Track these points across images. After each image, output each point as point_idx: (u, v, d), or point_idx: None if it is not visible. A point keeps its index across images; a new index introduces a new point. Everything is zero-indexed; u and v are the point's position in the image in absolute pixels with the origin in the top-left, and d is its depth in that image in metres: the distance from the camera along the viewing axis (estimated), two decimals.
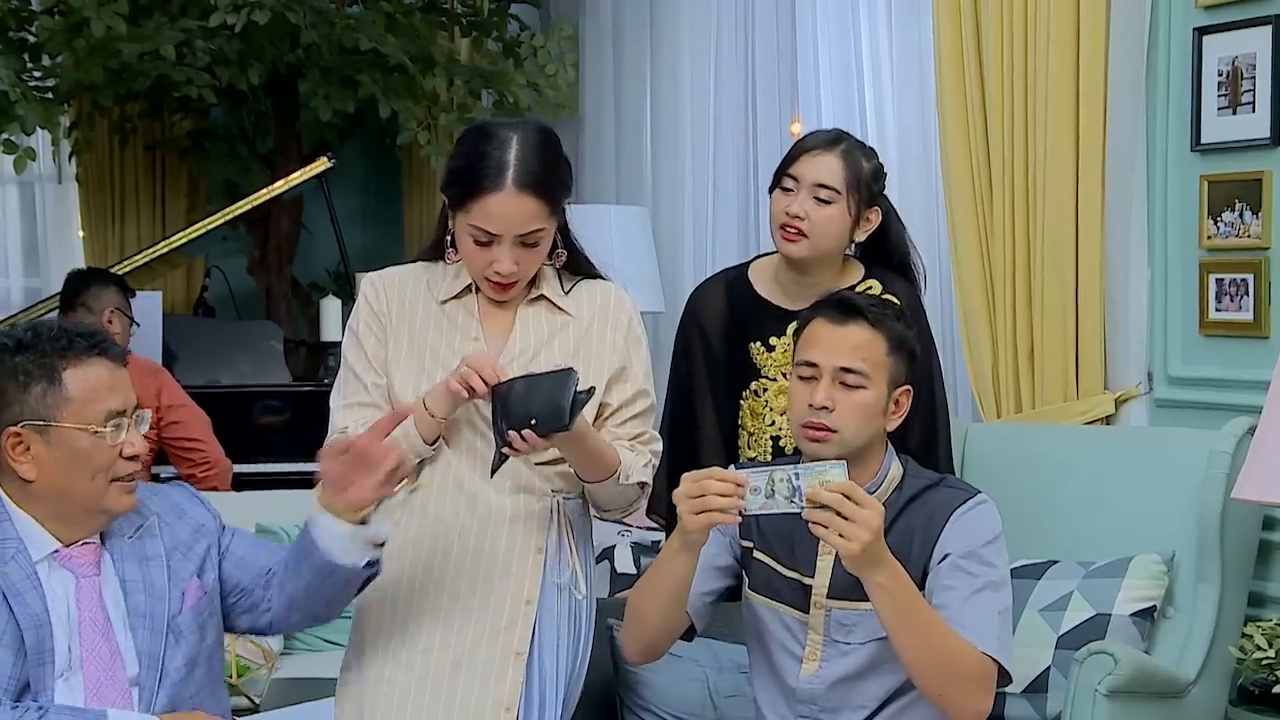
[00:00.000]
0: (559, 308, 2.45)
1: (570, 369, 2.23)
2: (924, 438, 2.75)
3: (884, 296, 2.76)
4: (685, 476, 2.21)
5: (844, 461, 2.19)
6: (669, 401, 2.90)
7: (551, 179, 2.33)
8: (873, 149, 2.83)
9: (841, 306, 2.36)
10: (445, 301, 2.43)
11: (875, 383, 2.32)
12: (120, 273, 4.86)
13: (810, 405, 2.32)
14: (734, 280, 2.88)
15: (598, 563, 3.53)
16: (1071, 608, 2.89)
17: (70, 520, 2.12)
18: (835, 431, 2.31)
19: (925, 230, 4.09)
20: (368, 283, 2.48)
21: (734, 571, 2.49)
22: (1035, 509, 3.14)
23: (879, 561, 2.17)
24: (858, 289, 2.77)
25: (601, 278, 2.52)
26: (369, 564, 2.22)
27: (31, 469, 2.08)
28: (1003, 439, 3.37)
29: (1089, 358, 3.52)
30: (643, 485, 2.43)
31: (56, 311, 4.76)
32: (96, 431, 2.08)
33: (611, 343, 2.45)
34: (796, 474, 2.14)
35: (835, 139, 2.76)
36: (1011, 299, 3.60)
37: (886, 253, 2.85)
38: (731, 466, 2.32)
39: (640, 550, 3.86)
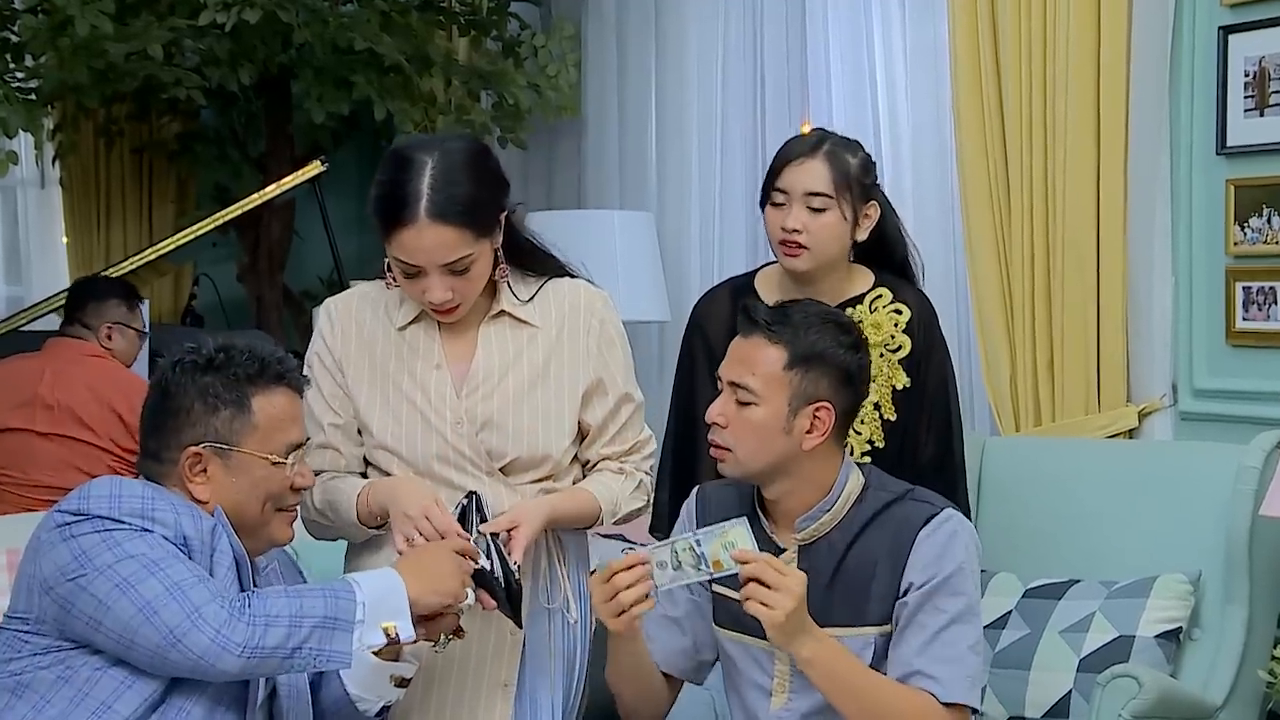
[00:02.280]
0: (522, 320, 2.41)
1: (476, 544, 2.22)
2: (938, 453, 2.74)
3: (894, 305, 2.76)
4: (593, 580, 2.21)
5: (744, 518, 2.17)
6: (672, 412, 2.89)
7: (473, 203, 2.26)
8: (857, 141, 2.80)
9: (746, 318, 2.32)
10: (404, 327, 2.41)
11: (768, 400, 2.25)
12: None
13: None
14: (740, 288, 2.87)
15: None
16: (1093, 629, 2.88)
17: None
18: (730, 450, 2.28)
19: (940, 236, 4.08)
20: (324, 312, 2.46)
21: (700, 610, 2.46)
22: (1055, 526, 3.13)
23: (803, 631, 2.16)
24: (867, 298, 2.76)
25: (568, 274, 2.49)
26: (381, 711, 2.26)
27: (206, 490, 2.12)
28: (1021, 453, 3.36)
29: (1111, 369, 3.52)
30: (638, 510, 2.43)
31: (47, 317, 4.78)
32: (276, 462, 2.14)
33: (585, 350, 2.42)
34: (698, 540, 2.15)
35: (816, 143, 2.73)
36: (1030, 307, 3.60)
37: (887, 250, 2.84)
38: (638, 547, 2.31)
39: None
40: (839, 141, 2.75)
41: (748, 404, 2.27)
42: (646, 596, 2.16)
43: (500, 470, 2.38)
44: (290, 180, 5.25)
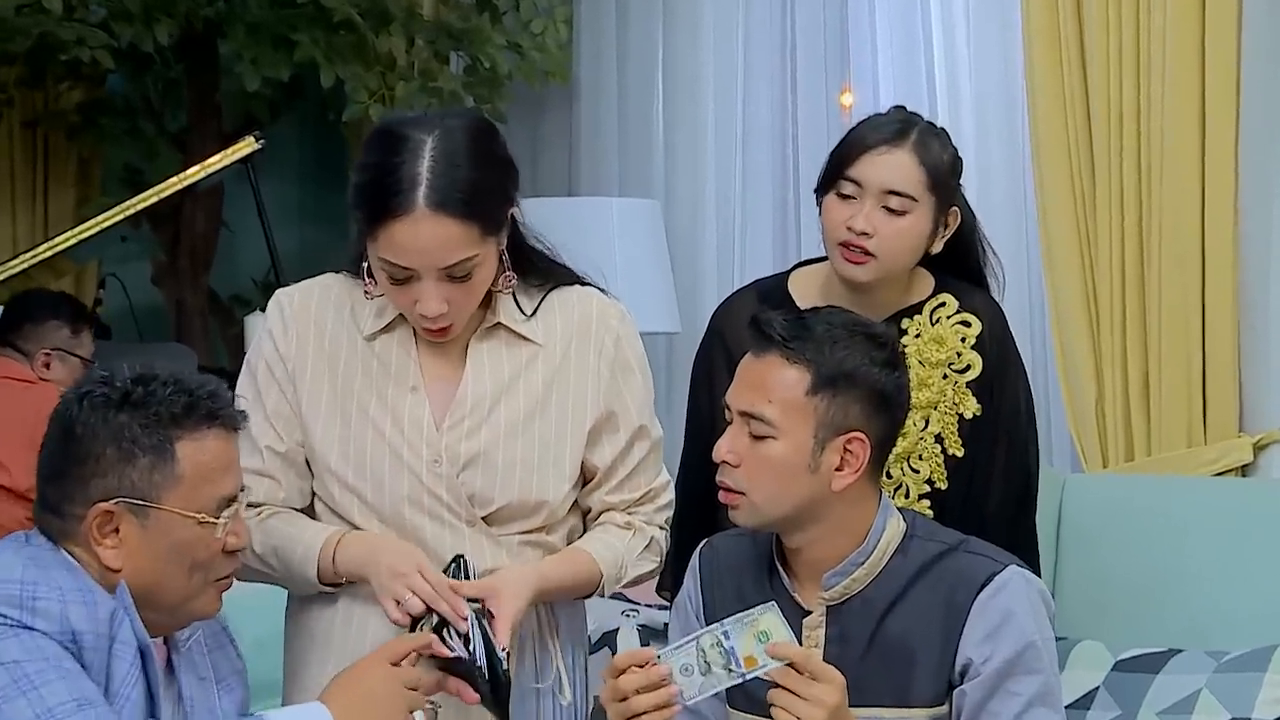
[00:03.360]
0: (522, 336, 2.40)
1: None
2: (1011, 499, 2.72)
3: (960, 316, 2.75)
4: (605, 673, 2.19)
5: (772, 602, 2.16)
6: (686, 441, 2.88)
7: (480, 191, 2.25)
8: (943, 128, 2.80)
9: (758, 333, 2.31)
10: (373, 336, 2.40)
11: (788, 433, 2.24)
12: None
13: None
14: (769, 292, 2.86)
15: (595, 651, 3.51)
16: (1199, 710, 2.88)
17: (146, 620, 2.10)
18: (742, 494, 2.27)
19: (1010, 229, 4.09)
20: (275, 308, 2.44)
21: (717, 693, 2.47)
22: (1152, 583, 3.13)
23: None
24: (926, 307, 2.76)
25: (579, 281, 2.48)
26: None
27: (117, 556, 2.07)
28: (1110, 494, 3.38)
29: (1219, 392, 3.53)
30: (649, 573, 2.45)
31: None
32: (204, 521, 2.10)
33: (595, 374, 2.42)
34: (725, 634, 2.14)
35: (903, 128, 2.69)
36: (1121, 317, 3.61)
37: (960, 252, 2.83)
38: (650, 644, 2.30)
39: (650, 634, 3.85)
40: (926, 129, 2.71)
41: (764, 438, 2.25)
42: (668, 705, 2.15)
43: (483, 519, 2.37)
44: (217, 161, 5.25)
